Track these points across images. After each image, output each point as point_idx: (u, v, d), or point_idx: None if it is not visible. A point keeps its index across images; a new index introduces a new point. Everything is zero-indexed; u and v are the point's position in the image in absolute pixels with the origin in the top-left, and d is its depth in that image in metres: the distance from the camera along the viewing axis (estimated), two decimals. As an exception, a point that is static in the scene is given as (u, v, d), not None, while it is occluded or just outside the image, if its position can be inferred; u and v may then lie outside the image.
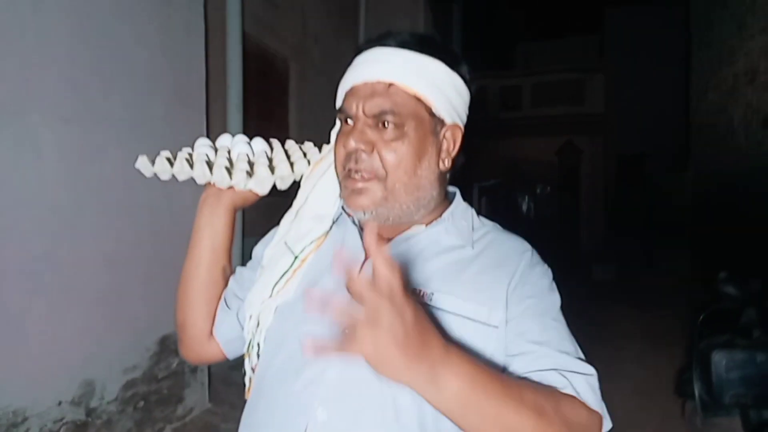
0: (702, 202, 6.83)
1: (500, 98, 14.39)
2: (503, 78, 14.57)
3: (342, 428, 0.72)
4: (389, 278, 0.54)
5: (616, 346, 5.26)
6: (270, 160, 0.95)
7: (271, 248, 0.93)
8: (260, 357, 0.86)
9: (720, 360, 2.74)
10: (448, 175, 0.88)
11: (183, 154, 0.94)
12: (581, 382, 0.70)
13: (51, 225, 2.37)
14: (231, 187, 0.94)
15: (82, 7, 2.52)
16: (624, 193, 14.07)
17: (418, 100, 0.79)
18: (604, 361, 4.26)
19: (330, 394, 0.73)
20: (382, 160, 0.78)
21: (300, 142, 1.05)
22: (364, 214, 0.80)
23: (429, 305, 0.75)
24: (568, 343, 0.75)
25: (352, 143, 0.78)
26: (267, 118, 4.75)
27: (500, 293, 0.77)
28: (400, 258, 0.78)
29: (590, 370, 0.73)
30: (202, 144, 0.97)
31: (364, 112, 0.78)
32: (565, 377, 0.70)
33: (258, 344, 0.86)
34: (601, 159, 14.27)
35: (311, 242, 0.88)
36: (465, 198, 0.93)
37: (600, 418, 0.71)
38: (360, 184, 0.79)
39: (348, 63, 0.86)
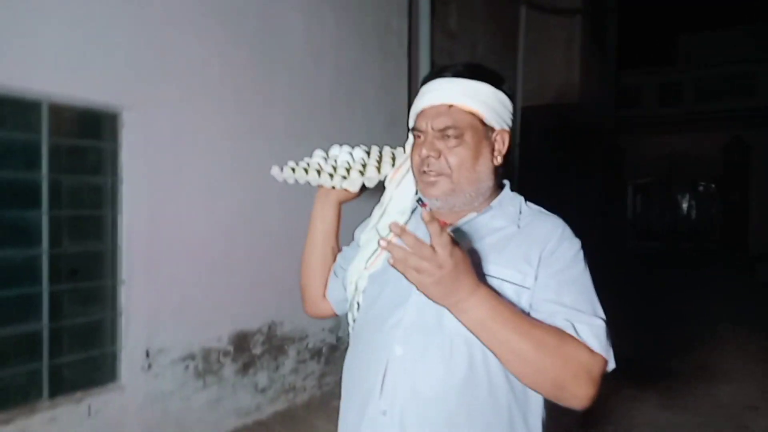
0: None
1: (658, 95, 14.06)
2: (661, 74, 14.21)
3: (412, 360, 0.96)
4: (437, 242, 0.79)
5: None
6: (364, 165, 1.24)
7: (365, 233, 1.21)
8: (359, 311, 1.14)
9: None
10: (500, 169, 1.09)
11: (303, 164, 1.23)
12: (585, 329, 0.89)
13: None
14: (334, 187, 1.22)
15: (326, 54, 3.70)
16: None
17: (473, 114, 1.01)
18: None
19: (405, 335, 0.98)
20: (447, 162, 1.00)
21: None
22: (436, 200, 1.03)
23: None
24: (584, 302, 0.93)
25: (424, 151, 1.01)
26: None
27: (534, 261, 0.97)
28: (462, 238, 1.02)
29: (598, 321, 0.91)
30: (317, 155, 1.27)
31: (432, 128, 1.01)
32: (572, 325, 0.89)
33: (357, 303, 1.15)
34: (774, 155, 13.32)
35: None
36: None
37: (603, 360, 0.89)
38: (432, 178, 1.02)
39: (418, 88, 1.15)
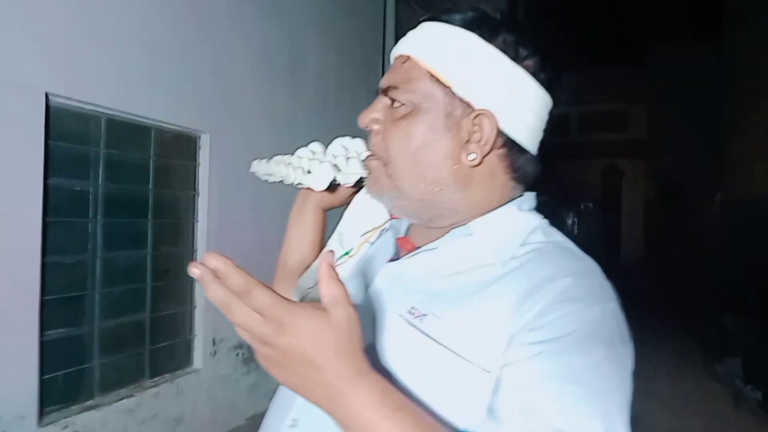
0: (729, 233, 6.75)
1: (549, 125, 15.90)
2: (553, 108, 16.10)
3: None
4: (268, 328, 0.47)
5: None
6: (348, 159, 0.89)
7: (332, 239, 0.88)
8: None
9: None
10: (503, 178, 0.67)
11: (277, 158, 0.96)
12: None
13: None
14: (300, 184, 0.88)
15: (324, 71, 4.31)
16: (663, 215, 15.40)
17: (433, 76, 0.63)
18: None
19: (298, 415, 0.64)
20: (386, 140, 0.66)
21: None
22: (387, 200, 0.70)
23: (415, 328, 0.60)
24: (583, 417, 0.50)
25: (363, 119, 0.69)
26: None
27: (507, 328, 0.55)
28: (405, 273, 0.68)
29: None
30: (312, 147, 0.95)
31: (379, 89, 0.68)
32: None
33: None
34: (642, 181, 15.72)
35: (362, 235, 0.84)
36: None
37: None
38: (371, 163, 0.70)
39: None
